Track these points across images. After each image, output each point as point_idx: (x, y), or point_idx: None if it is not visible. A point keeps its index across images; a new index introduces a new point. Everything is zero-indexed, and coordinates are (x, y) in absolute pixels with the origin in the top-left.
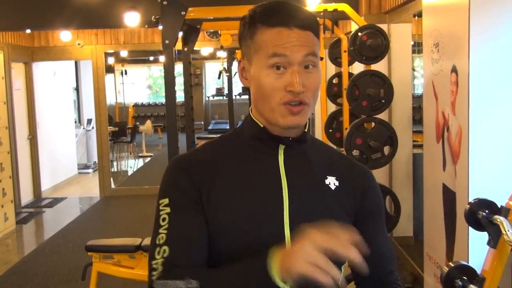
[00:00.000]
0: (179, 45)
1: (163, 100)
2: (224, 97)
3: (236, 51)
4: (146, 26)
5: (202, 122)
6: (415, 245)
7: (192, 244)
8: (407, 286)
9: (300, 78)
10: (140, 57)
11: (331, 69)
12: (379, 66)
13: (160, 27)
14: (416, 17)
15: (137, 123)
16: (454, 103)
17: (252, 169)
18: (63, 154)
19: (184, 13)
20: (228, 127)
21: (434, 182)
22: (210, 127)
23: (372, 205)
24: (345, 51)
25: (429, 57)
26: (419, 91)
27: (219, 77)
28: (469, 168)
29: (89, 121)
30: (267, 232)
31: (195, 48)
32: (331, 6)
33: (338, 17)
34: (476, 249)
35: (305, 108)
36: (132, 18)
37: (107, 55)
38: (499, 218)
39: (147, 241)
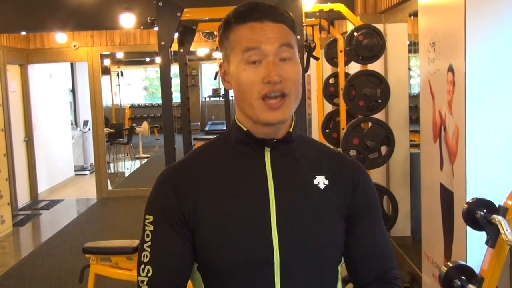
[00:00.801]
0: (175, 46)
1: (160, 101)
2: (221, 98)
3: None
4: (141, 27)
5: (199, 123)
6: (413, 244)
7: (173, 265)
8: (405, 286)
9: (276, 69)
10: (136, 59)
11: (328, 69)
12: (376, 66)
13: (156, 28)
14: (412, 17)
15: (134, 125)
16: (450, 103)
17: (239, 174)
18: (60, 156)
19: (180, 14)
20: (225, 128)
21: (432, 181)
22: (206, 128)
23: (364, 200)
24: (341, 51)
25: (425, 56)
26: (415, 90)
27: (215, 78)
28: (466, 168)
29: (86, 122)
30: (254, 238)
31: (191, 49)
32: (326, 6)
33: (334, 17)
34: (475, 249)
35: (286, 101)
36: (127, 20)
37: (103, 56)
38: (497, 218)
39: None
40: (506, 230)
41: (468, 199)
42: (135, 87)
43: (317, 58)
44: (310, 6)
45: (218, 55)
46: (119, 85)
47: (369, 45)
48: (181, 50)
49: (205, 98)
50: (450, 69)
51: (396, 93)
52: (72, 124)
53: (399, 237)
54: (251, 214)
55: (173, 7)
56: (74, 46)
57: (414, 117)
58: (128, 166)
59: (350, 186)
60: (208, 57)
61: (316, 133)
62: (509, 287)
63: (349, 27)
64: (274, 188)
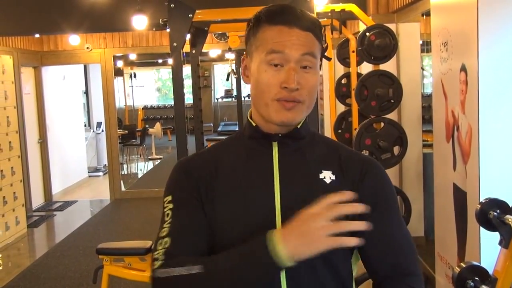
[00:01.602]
0: (187, 48)
1: (172, 103)
2: (233, 99)
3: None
4: (153, 29)
5: (211, 124)
6: (426, 245)
7: (192, 235)
8: None
9: (296, 76)
10: (148, 60)
11: (340, 69)
12: (388, 66)
13: (168, 30)
14: (425, 16)
15: (147, 126)
16: (463, 102)
17: (248, 168)
18: (73, 158)
19: (192, 15)
20: (237, 129)
21: (445, 182)
22: (219, 129)
23: (372, 193)
24: (353, 51)
25: (438, 56)
26: (429, 90)
27: (227, 79)
28: (479, 168)
29: (99, 124)
30: (259, 229)
31: (203, 50)
32: (338, 7)
33: (346, 17)
34: (488, 249)
35: (298, 105)
36: (140, 21)
37: (115, 58)
38: (511, 218)
39: None
40: None
41: (481, 199)
42: (148, 88)
43: (329, 59)
44: (322, 7)
45: (230, 56)
46: (132, 86)
47: (381, 45)
48: (193, 51)
49: (217, 99)
50: (463, 69)
51: (408, 93)
52: (85, 125)
53: (412, 238)
54: (257, 207)
55: (185, 8)
56: (87, 48)
57: (427, 117)
58: (141, 167)
59: (357, 179)
60: (221, 58)
61: (328, 134)
62: None
63: (361, 27)
64: (280, 182)
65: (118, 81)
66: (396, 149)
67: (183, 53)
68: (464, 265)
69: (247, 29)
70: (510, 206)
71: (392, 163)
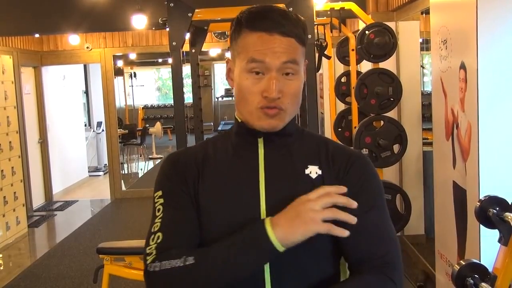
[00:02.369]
0: (187, 47)
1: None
2: (233, 98)
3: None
4: (153, 28)
5: (212, 123)
6: (427, 243)
7: (183, 230)
8: (419, 285)
9: (277, 85)
10: (148, 59)
11: (340, 68)
12: (388, 64)
13: (167, 29)
14: (424, 14)
15: (147, 125)
16: (463, 100)
17: (234, 164)
18: (74, 157)
19: (191, 14)
20: None
21: (445, 179)
22: (219, 128)
23: (356, 183)
24: (353, 50)
25: (437, 54)
26: (428, 88)
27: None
28: (479, 165)
29: (99, 124)
30: (243, 225)
31: (203, 49)
32: (338, 5)
33: (345, 16)
34: (488, 247)
35: (281, 113)
36: (139, 21)
37: (115, 58)
38: (510, 215)
39: None
40: None
41: (481, 196)
42: (148, 88)
43: (328, 57)
44: (321, 5)
45: (230, 55)
46: (132, 86)
47: (380, 43)
48: (193, 51)
49: (217, 98)
50: (462, 67)
51: (408, 91)
52: (85, 125)
53: (413, 236)
54: (242, 203)
55: (184, 7)
56: (87, 47)
57: (427, 115)
58: (142, 167)
59: (342, 171)
60: (221, 57)
61: (328, 132)
62: None
63: (361, 25)
64: (265, 179)
65: (118, 80)
66: (396, 147)
67: (182, 52)
68: (463, 263)
69: (230, 31)
70: (510, 204)
71: (392, 161)
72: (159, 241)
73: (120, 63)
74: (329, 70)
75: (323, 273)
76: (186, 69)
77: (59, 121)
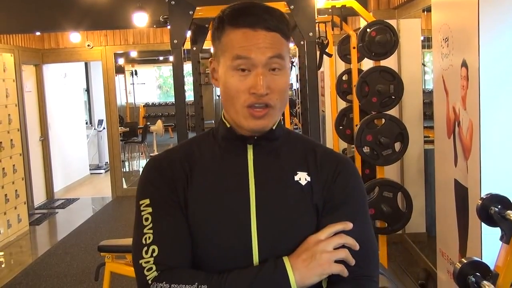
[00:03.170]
0: (188, 45)
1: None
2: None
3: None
4: (154, 26)
5: (213, 121)
6: (428, 241)
7: (178, 241)
8: (420, 283)
9: (264, 81)
10: (149, 57)
11: (341, 66)
12: (389, 62)
13: (169, 27)
14: (425, 12)
15: (148, 123)
16: (464, 98)
17: (222, 170)
18: (75, 155)
19: (192, 12)
20: None
21: (446, 177)
22: None
23: (341, 192)
24: (354, 48)
25: (438, 52)
26: (429, 86)
27: None
28: (480, 163)
29: (100, 121)
30: (233, 232)
31: (204, 47)
32: (339, 3)
33: (346, 14)
34: (490, 245)
35: (269, 111)
36: (140, 19)
37: (116, 55)
38: None
39: None
40: None
41: (483, 195)
42: (149, 85)
43: (330, 55)
44: (323, 3)
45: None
46: (133, 84)
47: (382, 41)
48: (194, 48)
49: (219, 96)
50: (464, 64)
51: (409, 89)
52: (86, 123)
53: (414, 234)
54: (232, 210)
55: (185, 5)
56: (88, 45)
57: (428, 113)
58: (143, 165)
59: (330, 179)
60: None
61: (329, 130)
62: None
63: (362, 23)
64: (255, 185)
65: (119, 78)
66: (397, 145)
67: (184, 50)
68: (465, 261)
69: (212, 29)
70: (511, 202)
71: (393, 160)
72: (155, 254)
73: (121, 61)
74: (330, 68)
75: None
76: (187, 67)
77: (60, 119)
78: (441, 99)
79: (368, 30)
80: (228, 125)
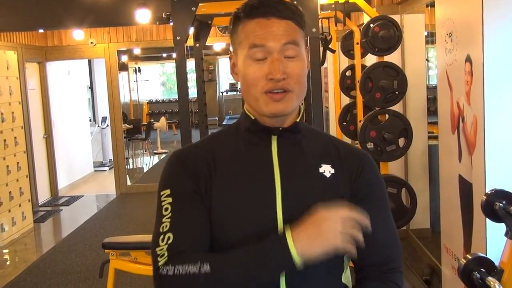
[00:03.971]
0: (191, 41)
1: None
2: (238, 93)
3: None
4: (157, 23)
5: (217, 118)
6: (432, 237)
7: (195, 230)
8: (425, 279)
9: (280, 66)
10: (153, 54)
11: (344, 61)
12: (392, 58)
13: (171, 24)
14: (429, 7)
15: (152, 120)
16: (469, 93)
17: (247, 161)
18: (79, 153)
19: (195, 8)
20: None
21: (450, 173)
22: (224, 123)
23: (365, 187)
24: (357, 43)
25: (442, 47)
26: (433, 81)
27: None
28: (485, 159)
29: (104, 119)
30: (260, 223)
31: (207, 44)
32: None
33: (350, 9)
34: (495, 241)
35: (288, 94)
36: (143, 15)
37: (120, 53)
38: None
39: None
40: None
41: (487, 190)
42: (153, 82)
43: (333, 51)
44: None
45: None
46: (136, 81)
47: (385, 36)
48: (197, 45)
49: (222, 92)
50: (468, 59)
51: (413, 84)
52: (90, 120)
53: (418, 230)
54: (258, 200)
55: (188, 2)
56: (91, 43)
57: (432, 109)
58: (147, 162)
59: (355, 173)
60: (225, 52)
61: (333, 126)
62: None
63: (365, 18)
64: (280, 176)
65: (122, 75)
66: (401, 141)
67: (187, 46)
68: (470, 257)
69: (229, 27)
70: None
71: (397, 155)
72: (170, 241)
73: (124, 58)
74: (334, 64)
75: (335, 280)
76: (191, 64)
77: (64, 116)
78: (445, 94)
79: (371, 25)
80: (253, 117)
